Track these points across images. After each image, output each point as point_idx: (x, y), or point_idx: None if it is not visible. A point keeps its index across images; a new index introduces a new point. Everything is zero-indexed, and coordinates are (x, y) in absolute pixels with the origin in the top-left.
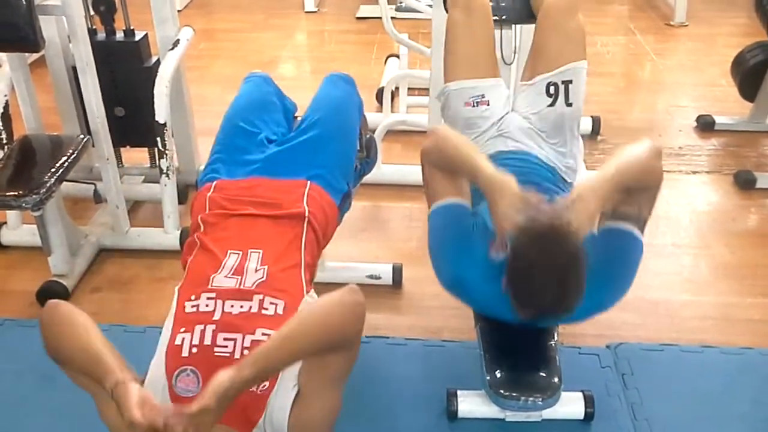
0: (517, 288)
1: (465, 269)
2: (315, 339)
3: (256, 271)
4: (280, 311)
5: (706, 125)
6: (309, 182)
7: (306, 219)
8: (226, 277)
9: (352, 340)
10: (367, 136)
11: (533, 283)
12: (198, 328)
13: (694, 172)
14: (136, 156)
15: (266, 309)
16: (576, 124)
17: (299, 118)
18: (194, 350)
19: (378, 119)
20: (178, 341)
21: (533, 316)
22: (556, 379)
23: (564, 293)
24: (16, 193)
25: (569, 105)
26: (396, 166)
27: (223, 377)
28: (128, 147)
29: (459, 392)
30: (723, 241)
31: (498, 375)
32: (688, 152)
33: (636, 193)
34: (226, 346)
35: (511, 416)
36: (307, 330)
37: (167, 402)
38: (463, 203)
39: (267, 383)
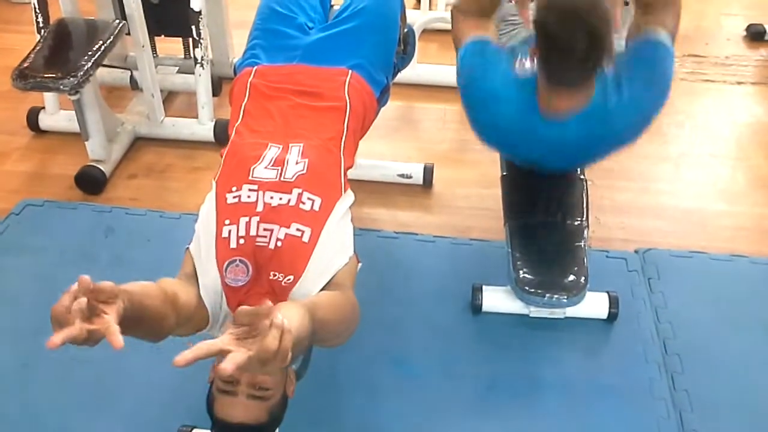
0: (545, 46)
1: (491, 81)
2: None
3: (297, 163)
4: (316, 207)
5: (756, 35)
6: (350, 71)
7: (347, 114)
8: (266, 168)
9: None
10: (405, 29)
11: (561, 35)
12: (243, 219)
13: (739, 83)
14: (171, 47)
15: (303, 204)
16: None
17: (336, 7)
18: (241, 241)
19: (415, 17)
20: (225, 234)
21: (562, 76)
22: (582, 279)
23: (592, 41)
24: (53, 75)
25: None
26: (432, 66)
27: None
28: (163, 36)
29: (484, 287)
30: (762, 153)
31: (524, 272)
32: (734, 62)
33: (656, 7)
34: (265, 236)
35: (534, 312)
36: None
37: (221, 294)
38: (488, 36)
39: (292, 277)
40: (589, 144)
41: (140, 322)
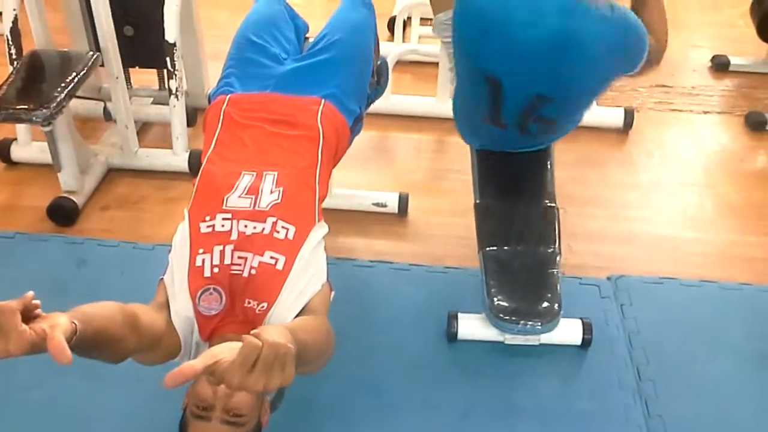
0: None
1: None
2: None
3: (272, 192)
4: (290, 236)
5: (720, 65)
6: (323, 101)
7: (320, 143)
8: (240, 197)
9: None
10: (379, 61)
11: None
12: (217, 248)
13: (706, 113)
14: (145, 78)
15: (278, 232)
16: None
17: (310, 39)
18: (216, 270)
19: (389, 48)
20: (198, 263)
21: None
22: (555, 306)
23: None
24: (26, 107)
25: None
26: (406, 97)
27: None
28: (137, 68)
29: (460, 315)
30: (730, 181)
31: (498, 300)
32: (701, 92)
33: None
34: (239, 264)
35: (509, 339)
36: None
37: (195, 323)
38: None
39: (265, 304)
40: (560, 55)
41: (97, 345)
